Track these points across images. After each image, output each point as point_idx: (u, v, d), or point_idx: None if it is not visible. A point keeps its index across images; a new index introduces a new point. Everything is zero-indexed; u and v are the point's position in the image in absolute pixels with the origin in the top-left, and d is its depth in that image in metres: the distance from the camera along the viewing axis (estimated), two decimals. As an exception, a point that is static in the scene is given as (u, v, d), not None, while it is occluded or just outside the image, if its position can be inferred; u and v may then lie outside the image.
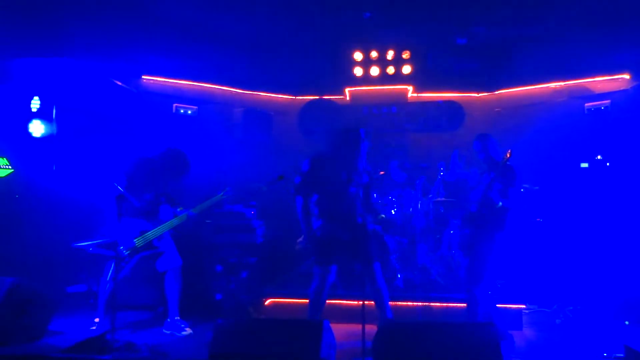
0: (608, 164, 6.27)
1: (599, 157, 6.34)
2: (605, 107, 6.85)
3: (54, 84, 6.01)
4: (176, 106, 7.51)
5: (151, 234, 4.88)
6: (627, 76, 6.95)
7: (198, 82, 7.80)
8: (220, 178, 5.50)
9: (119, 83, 6.88)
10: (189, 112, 7.56)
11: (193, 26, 6.83)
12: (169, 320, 5.03)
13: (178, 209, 5.03)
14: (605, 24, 6.45)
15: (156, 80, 7.49)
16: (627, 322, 5.45)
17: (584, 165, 6.33)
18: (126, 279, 4.84)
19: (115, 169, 4.90)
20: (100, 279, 4.94)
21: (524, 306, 5.53)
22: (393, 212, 6.61)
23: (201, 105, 7.69)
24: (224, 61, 7.59)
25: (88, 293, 5.94)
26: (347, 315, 5.40)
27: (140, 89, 7.29)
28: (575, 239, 6.14)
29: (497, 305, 4.81)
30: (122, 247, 4.73)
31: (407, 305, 5.52)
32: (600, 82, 7.17)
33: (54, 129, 5.97)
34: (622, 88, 6.90)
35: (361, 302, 4.20)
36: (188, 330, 4.97)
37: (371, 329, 3.75)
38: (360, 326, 4.01)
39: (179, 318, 5.03)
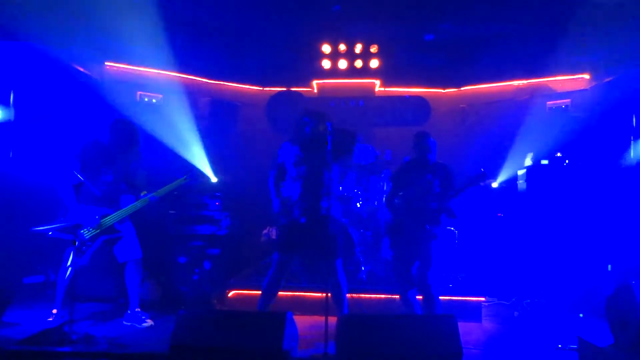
0: (567, 161, 6.44)
1: (558, 154, 6.50)
2: (566, 106, 7.03)
3: (12, 68, 5.81)
4: (140, 94, 7.34)
5: (113, 216, 4.78)
6: (587, 76, 7.14)
7: (163, 70, 7.64)
8: (184, 168, 5.42)
9: (81, 69, 6.69)
10: (154, 100, 7.41)
11: (159, 12, 6.68)
12: (129, 312, 4.95)
13: (141, 194, 4.94)
14: (567, 26, 6.60)
15: (120, 67, 7.31)
16: (581, 315, 5.64)
17: (544, 162, 6.48)
18: (86, 270, 4.74)
19: (69, 155, 4.77)
20: (59, 268, 4.81)
21: (483, 299, 5.66)
22: (358, 205, 6.64)
23: (166, 94, 7.55)
24: (191, 49, 7.46)
25: (45, 284, 5.79)
26: (311, 307, 5.42)
27: (103, 75, 7.11)
28: (533, 234, 6.30)
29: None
30: (83, 231, 4.62)
31: (371, 297, 5.58)
32: (561, 81, 7.35)
33: (11, 114, 5.78)
34: (582, 88, 7.10)
35: (324, 294, 4.22)
36: (149, 322, 4.90)
37: (334, 320, 3.78)
38: (323, 318, 4.03)
39: (139, 310, 4.96)
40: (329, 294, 4.30)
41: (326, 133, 4.34)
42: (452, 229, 6.41)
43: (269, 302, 4.54)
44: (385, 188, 6.47)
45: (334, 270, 4.47)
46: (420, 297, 4.66)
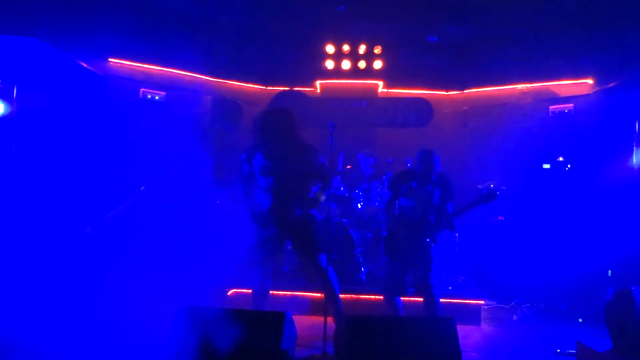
0: (569, 165, 6.44)
1: (560, 158, 6.50)
2: (569, 111, 7.02)
3: (16, 63, 5.81)
4: (143, 91, 7.35)
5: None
6: (590, 81, 7.13)
7: (167, 67, 7.65)
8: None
9: (85, 65, 6.70)
10: (157, 97, 7.42)
11: (163, 10, 6.68)
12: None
13: None
14: (571, 30, 6.59)
15: (123, 63, 7.32)
16: (580, 320, 5.63)
17: (546, 166, 6.48)
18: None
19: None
20: None
21: (482, 302, 5.66)
22: (360, 206, 6.64)
23: (169, 91, 7.55)
24: (194, 47, 7.46)
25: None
26: (310, 307, 5.43)
27: (106, 72, 7.11)
28: (534, 238, 6.29)
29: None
30: None
31: (370, 298, 5.58)
32: (564, 85, 7.34)
33: (14, 109, 5.78)
34: (585, 92, 7.09)
35: (323, 295, 4.23)
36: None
37: (333, 321, 3.78)
38: (322, 318, 4.04)
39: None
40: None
41: (292, 133, 4.29)
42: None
43: (262, 304, 4.51)
44: (382, 195, 6.46)
45: (318, 266, 4.45)
46: (422, 298, 4.66)
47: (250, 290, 4.61)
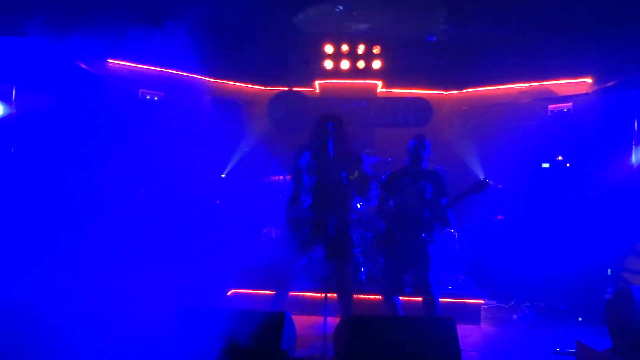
0: (568, 164, 6.44)
1: (559, 157, 6.50)
2: (568, 110, 7.02)
3: (15, 64, 5.81)
4: (142, 92, 7.35)
5: None
6: (589, 80, 7.13)
7: (166, 67, 7.64)
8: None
9: (83, 66, 6.69)
10: (155, 98, 7.41)
11: (162, 10, 6.68)
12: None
13: None
14: (570, 29, 6.59)
15: (122, 64, 7.31)
16: (580, 319, 5.64)
17: (545, 165, 6.48)
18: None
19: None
20: None
21: (482, 301, 5.66)
22: (359, 206, 6.64)
23: (168, 92, 7.55)
24: (194, 47, 7.45)
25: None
26: (310, 307, 5.43)
27: (105, 72, 7.11)
28: (534, 237, 6.30)
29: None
30: None
31: (369, 298, 5.58)
32: (563, 85, 7.34)
33: (13, 110, 5.78)
34: (584, 92, 7.09)
35: (323, 295, 4.22)
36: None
37: (333, 321, 3.78)
38: (322, 318, 4.04)
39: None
40: (328, 294, 4.30)
41: (341, 139, 4.31)
42: (452, 231, 6.41)
43: (281, 303, 4.50)
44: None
45: (346, 271, 4.48)
46: (421, 298, 4.66)
47: (256, 291, 4.63)
